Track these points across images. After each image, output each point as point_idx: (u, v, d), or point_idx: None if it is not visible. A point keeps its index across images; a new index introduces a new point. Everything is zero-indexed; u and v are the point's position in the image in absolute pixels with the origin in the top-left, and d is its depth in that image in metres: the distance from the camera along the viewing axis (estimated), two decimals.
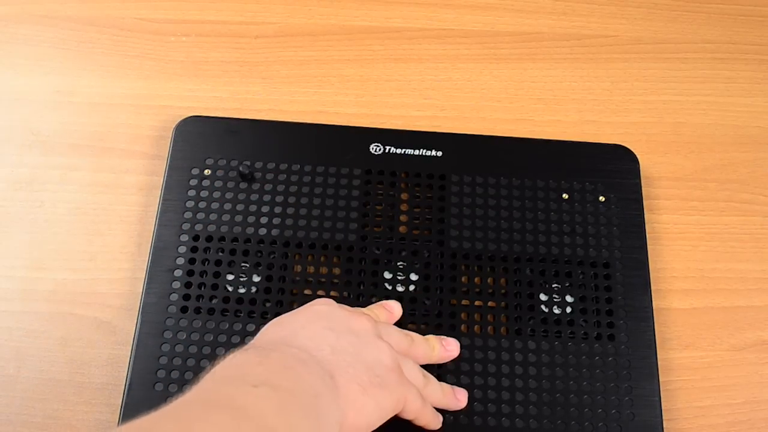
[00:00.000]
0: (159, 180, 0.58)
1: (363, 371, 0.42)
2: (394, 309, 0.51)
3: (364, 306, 0.51)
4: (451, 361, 0.51)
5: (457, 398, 0.49)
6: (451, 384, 0.50)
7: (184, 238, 0.54)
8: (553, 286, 0.55)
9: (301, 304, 0.52)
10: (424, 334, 0.51)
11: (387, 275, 0.54)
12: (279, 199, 0.56)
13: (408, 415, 0.45)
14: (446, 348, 0.50)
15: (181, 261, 0.54)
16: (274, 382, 0.38)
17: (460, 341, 0.52)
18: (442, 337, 0.51)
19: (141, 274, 0.54)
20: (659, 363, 0.52)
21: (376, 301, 0.53)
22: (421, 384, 0.47)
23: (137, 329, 0.51)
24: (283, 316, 0.46)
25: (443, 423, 0.49)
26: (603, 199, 0.58)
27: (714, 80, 0.67)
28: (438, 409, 0.49)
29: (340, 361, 0.42)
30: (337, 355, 0.42)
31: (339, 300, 0.52)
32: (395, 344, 0.46)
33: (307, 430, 0.37)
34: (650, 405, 0.51)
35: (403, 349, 0.47)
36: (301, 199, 0.56)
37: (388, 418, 0.44)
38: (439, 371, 0.51)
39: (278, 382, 0.38)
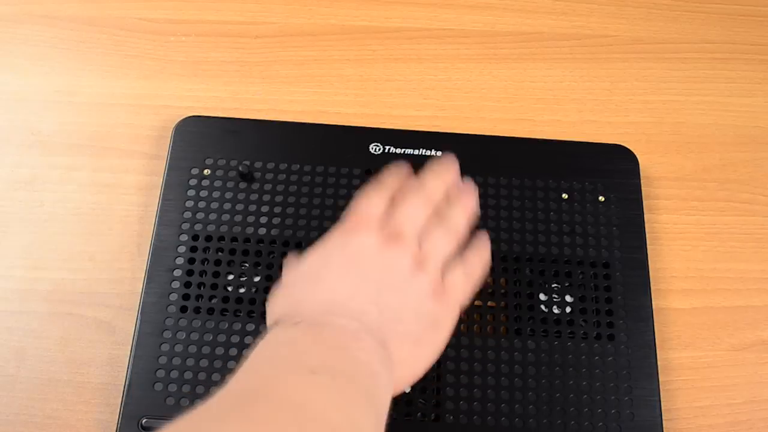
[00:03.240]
0: (159, 180, 0.58)
1: (412, 321, 0.41)
2: (403, 170, 0.48)
3: None
4: (451, 360, 0.51)
5: (481, 256, 0.47)
6: (450, 383, 0.50)
7: (184, 238, 0.54)
8: (553, 286, 0.55)
9: None
10: None
11: None
12: (279, 199, 0.56)
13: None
14: (464, 210, 0.47)
15: (180, 261, 0.54)
16: (331, 366, 0.37)
17: (459, 341, 0.52)
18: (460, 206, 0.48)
19: (141, 274, 0.54)
20: (659, 363, 0.52)
21: None
22: (463, 280, 0.45)
23: (137, 329, 0.51)
24: (310, 260, 0.43)
25: (443, 423, 0.49)
26: (603, 199, 0.58)
27: (714, 80, 0.67)
28: (437, 409, 0.48)
29: (388, 321, 0.40)
30: (383, 314, 0.40)
31: None
32: (431, 249, 0.44)
33: (369, 422, 0.36)
34: (650, 405, 0.51)
35: (440, 249, 0.44)
36: (301, 199, 0.56)
37: (450, 336, 0.43)
38: (438, 371, 0.51)
39: (335, 365, 0.37)
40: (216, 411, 0.33)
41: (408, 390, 0.49)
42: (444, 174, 0.48)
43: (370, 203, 0.45)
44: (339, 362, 0.37)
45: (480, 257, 0.47)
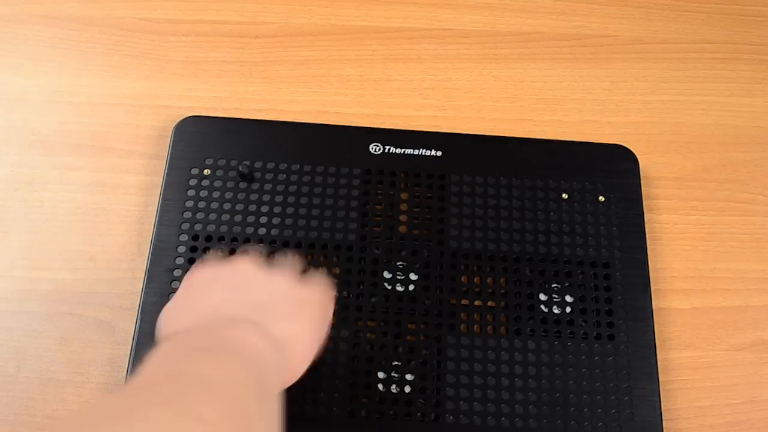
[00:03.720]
0: (159, 180, 0.58)
1: (281, 305, 0.43)
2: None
3: (365, 305, 0.51)
4: (451, 360, 0.51)
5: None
6: (450, 383, 0.50)
7: (184, 237, 0.54)
8: (553, 286, 0.55)
9: None
10: (424, 334, 0.52)
11: (387, 275, 0.54)
12: (279, 199, 0.56)
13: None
14: None
15: (180, 261, 0.54)
16: (210, 346, 0.38)
17: (460, 341, 0.52)
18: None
19: (141, 274, 0.54)
20: (659, 363, 0.52)
21: (376, 301, 0.53)
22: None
23: (137, 329, 0.51)
24: (168, 306, 0.45)
25: (443, 423, 0.49)
26: (603, 199, 0.58)
27: (714, 80, 0.67)
28: (437, 409, 0.48)
29: (258, 311, 0.42)
30: (254, 308, 0.42)
31: (339, 299, 0.52)
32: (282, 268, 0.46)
33: (253, 379, 0.37)
34: (650, 405, 0.51)
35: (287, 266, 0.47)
36: (301, 199, 0.56)
37: (329, 316, 0.45)
38: (438, 370, 0.51)
39: (214, 345, 0.38)
40: (101, 398, 0.34)
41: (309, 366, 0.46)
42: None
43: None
44: (216, 342, 0.39)
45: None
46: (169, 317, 0.44)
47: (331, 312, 0.46)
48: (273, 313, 0.42)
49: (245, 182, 0.57)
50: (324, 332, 0.44)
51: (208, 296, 0.43)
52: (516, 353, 0.52)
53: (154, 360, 0.37)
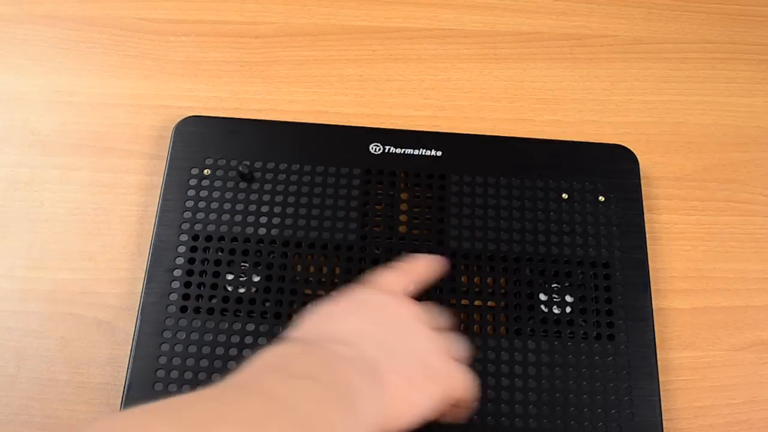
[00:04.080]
0: (159, 180, 0.58)
1: (410, 363, 0.42)
2: (429, 264, 0.50)
3: None
4: None
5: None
6: None
7: (184, 238, 0.54)
8: (553, 286, 0.55)
9: (301, 305, 0.53)
10: None
11: None
12: (279, 199, 0.56)
13: (463, 400, 0.45)
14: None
15: (180, 261, 0.54)
16: (314, 375, 0.38)
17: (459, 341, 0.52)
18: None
19: (141, 274, 0.54)
20: (659, 363, 0.52)
21: None
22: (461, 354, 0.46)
23: (137, 329, 0.51)
24: (323, 305, 0.45)
25: (443, 422, 0.49)
26: (603, 199, 0.58)
27: (714, 80, 0.67)
28: None
29: (385, 356, 0.42)
30: (381, 349, 0.42)
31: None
32: (435, 322, 0.46)
33: (342, 424, 0.37)
34: (650, 405, 0.51)
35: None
36: (301, 199, 0.56)
37: (443, 404, 0.43)
38: None
39: (319, 375, 0.38)
40: (192, 397, 0.34)
41: None
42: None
43: (387, 277, 0.48)
44: (321, 373, 0.39)
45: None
46: (311, 320, 0.44)
47: (448, 401, 0.44)
48: (396, 365, 0.42)
49: (245, 182, 0.57)
50: (431, 412, 0.43)
51: (351, 319, 0.43)
52: (516, 353, 0.52)
53: (263, 362, 0.38)
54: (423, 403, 0.42)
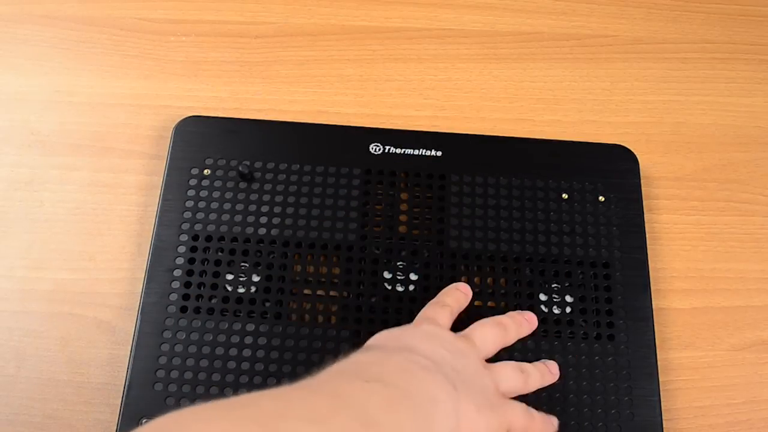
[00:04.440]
0: (159, 180, 0.58)
1: (477, 392, 0.43)
2: (467, 291, 0.51)
3: (365, 305, 0.51)
4: None
5: (551, 372, 0.50)
6: None
7: (184, 238, 0.54)
8: (553, 286, 0.55)
9: (301, 305, 0.53)
10: None
11: (387, 275, 0.54)
12: (279, 199, 0.56)
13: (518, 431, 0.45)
14: (550, 370, 0.50)
15: (180, 261, 0.54)
16: (388, 380, 0.38)
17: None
18: (541, 363, 0.51)
19: (141, 274, 0.54)
20: (659, 363, 0.52)
21: (376, 301, 0.53)
22: (522, 385, 0.47)
23: (137, 329, 0.51)
24: (390, 330, 0.45)
25: None
26: (603, 199, 0.58)
27: (714, 80, 0.67)
28: None
29: (460, 378, 0.42)
30: (456, 372, 0.42)
31: (339, 299, 0.52)
32: (491, 344, 0.47)
33: (414, 429, 0.37)
34: (650, 405, 0.51)
35: (498, 344, 0.48)
36: (301, 199, 0.56)
37: None
38: None
39: (393, 381, 0.38)
40: (258, 395, 0.34)
41: None
42: (522, 323, 0.51)
43: (440, 313, 0.49)
44: (397, 379, 0.38)
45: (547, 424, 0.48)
46: (385, 334, 0.45)
47: None
48: (470, 392, 0.42)
49: (245, 182, 0.57)
50: None
51: (427, 341, 0.44)
52: (516, 353, 0.52)
53: (336, 368, 0.38)
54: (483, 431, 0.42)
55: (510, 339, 0.49)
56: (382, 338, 0.45)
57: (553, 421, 0.48)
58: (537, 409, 0.50)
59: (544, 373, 0.49)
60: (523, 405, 0.46)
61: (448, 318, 0.49)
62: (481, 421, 0.42)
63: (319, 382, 0.37)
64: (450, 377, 0.42)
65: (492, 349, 0.47)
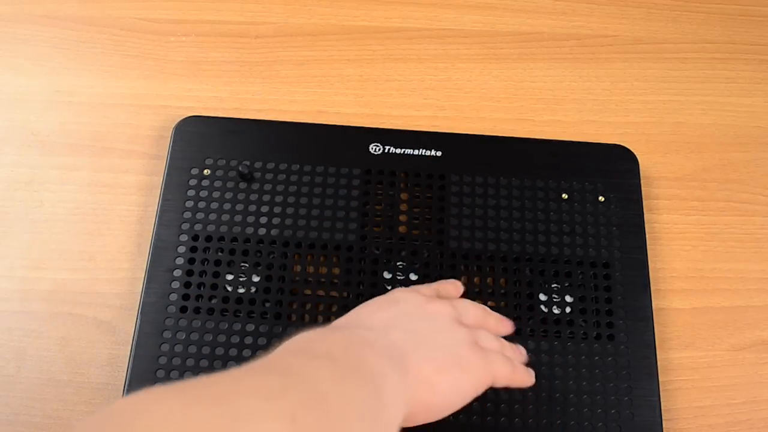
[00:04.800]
0: (159, 180, 0.58)
1: (438, 351, 0.42)
2: (458, 286, 0.51)
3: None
4: None
5: (521, 351, 0.49)
6: None
7: (184, 238, 0.54)
8: (553, 286, 0.55)
9: (301, 305, 0.53)
10: None
11: (386, 275, 0.54)
12: (279, 199, 0.56)
13: (501, 384, 0.45)
14: (504, 324, 0.49)
15: (180, 261, 0.54)
16: (333, 356, 0.38)
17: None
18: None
19: (141, 274, 0.54)
20: (659, 363, 0.52)
21: None
22: (499, 348, 0.46)
23: (137, 329, 0.51)
24: (363, 303, 0.46)
25: (443, 423, 0.49)
26: (603, 199, 0.58)
27: (714, 80, 0.67)
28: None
29: (413, 341, 0.42)
30: (409, 335, 0.42)
31: (339, 299, 0.52)
32: (472, 318, 0.46)
33: (363, 402, 0.36)
34: (650, 405, 0.51)
35: (479, 321, 0.47)
36: (301, 199, 0.56)
37: (476, 395, 0.43)
38: None
39: (338, 356, 0.38)
40: (212, 376, 0.34)
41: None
42: (503, 320, 0.50)
43: (415, 287, 0.48)
44: (343, 355, 0.38)
45: (522, 356, 0.48)
46: (347, 314, 0.45)
47: (482, 390, 0.44)
48: (423, 351, 0.41)
49: (245, 182, 0.57)
50: (463, 403, 0.43)
51: (384, 310, 0.44)
52: None
53: (285, 347, 0.38)
54: (452, 391, 0.42)
55: (490, 323, 0.48)
56: (344, 317, 0.45)
57: (532, 374, 0.47)
58: (536, 408, 0.50)
59: (502, 320, 0.49)
60: (504, 356, 0.45)
61: (430, 290, 0.48)
62: (443, 380, 0.41)
63: (270, 361, 0.38)
64: (399, 342, 0.41)
65: (471, 321, 0.46)
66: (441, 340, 0.43)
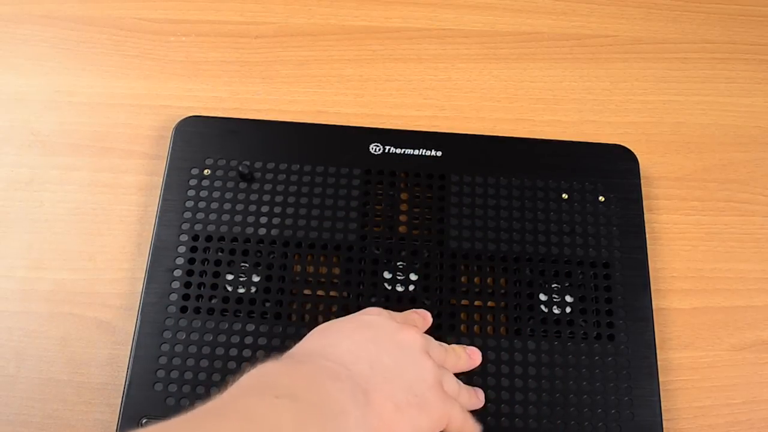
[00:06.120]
0: (159, 180, 0.58)
1: (400, 389, 0.42)
2: (427, 317, 0.51)
3: (365, 305, 0.51)
4: None
5: (478, 397, 0.49)
6: None
7: (184, 238, 0.54)
8: (553, 286, 0.55)
9: (301, 304, 0.53)
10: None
11: (387, 275, 0.54)
12: (279, 199, 0.56)
13: (451, 431, 0.44)
14: (470, 357, 0.50)
15: (180, 261, 0.54)
16: (297, 394, 0.37)
17: (459, 341, 0.52)
18: (465, 346, 0.50)
19: (141, 274, 0.54)
20: (659, 363, 0.52)
21: (375, 302, 0.53)
22: (457, 394, 0.46)
23: (137, 329, 0.51)
24: (330, 322, 0.45)
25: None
26: (603, 199, 0.58)
27: (714, 80, 0.67)
28: None
29: (376, 377, 0.41)
30: (375, 370, 0.41)
31: (339, 299, 0.52)
32: (435, 356, 0.46)
33: None
34: (650, 405, 0.51)
35: (440, 360, 0.47)
36: (301, 199, 0.56)
37: None
38: None
39: (302, 394, 0.37)
40: (170, 423, 0.34)
41: None
42: (461, 355, 0.50)
43: (387, 311, 0.48)
44: (306, 392, 0.38)
45: (479, 401, 0.49)
46: (312, 335, 0.44)
47: None
48: (387, 388, 0.41)
49: (245, 182, 0.57)
50: None
51: (352, 337, 0.43)
52: (516, 353, 0.52)
53: (246, 383, 0.38)
54: (410, 431, 0.41)
55: (450, 361, 0.48)
56: (309, 339, 0.44)
57: (478, 429, 0.47)
58: (537, 409, 0.50)
59: (460, 354, 0.49)
60: (461, 405, 0.45)
61: (400, 317, 0.48)
62: (402, 420, 0.41)
63: (228, 401, 0.37)
64: (363, 379, 0.41)
65: (436, 356, 0.46)
66: (408, 375, 0.43)
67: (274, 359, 0.41)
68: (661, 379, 0.52)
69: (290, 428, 0.35)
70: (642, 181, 0.59)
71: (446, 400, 0.44)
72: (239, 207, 0.56)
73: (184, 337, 0.51)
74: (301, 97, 0.64)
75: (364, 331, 0.44)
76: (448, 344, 0.50)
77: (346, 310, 0.53)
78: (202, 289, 0.53)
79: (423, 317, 0.51)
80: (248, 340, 0.51)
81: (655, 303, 0.55)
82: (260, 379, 0.39)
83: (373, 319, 0.45)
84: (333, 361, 0.41)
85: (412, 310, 0.51)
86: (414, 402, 0.42)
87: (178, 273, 0.53)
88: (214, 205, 0.56)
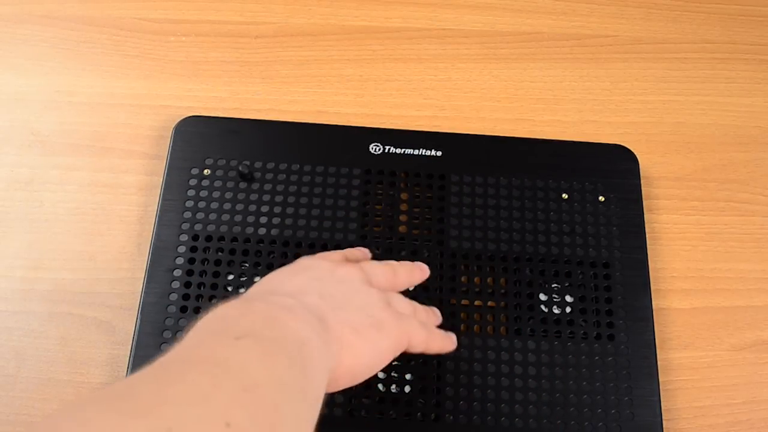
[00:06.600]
0: (159, 180, 0.58)
1: (354, 314, 0.42)
2: (366, 253, 0.51)
3: None
4: (451, 360, 0.51)
5: (435, 313, 0.49)
6: (450, 383, 0.50)
7: (184, 237, 0.54)
8: (553, 286, 0.55)
9: None
10: None
11: None
12: (279, 199, 0.56)
13: (417, 348, 0.44)
14: (415, 267, 0.49)
15: (180, 261, 0.54)
16: (257, 332, 0.37)
17: (459, 341, 0.51)
18: (406, 261, 0.50)
19: (141, 274, 0.54)
20: (659, 363, 0.52)
21: None
22: (412, 312, 0.46)
23: (137, 329, 0.51)
24: (270, 273, 0.45)
25: (443, 423, 0.49)
26: (603, 199, 0.58)
27: (714, 80, 0.67)
28: (437, 409, 0.48)
29: (329, 305, 0.41)
30: (325, 299, 0.42)
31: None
32: (383, 280, 0.46)
33: (293, 379, 0.36)
34: (650, 405, 0.51)
35: (389, 280, 0.47)
36: (301, 199, 0.56)
37: (393, 357, 0.43)
38: (438, 370, 0.51)
39: (262, 332, 0.37)
40: (134, 379, 0.33)
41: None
42: (413, 269, 0.50)
43: (322, 254, 0.48)
44: (265, 329, 0.38)
45: (436, 318, 0.49)
46: (257, 284, 0.44)
47: (398, 353, 0.43)
48: (341, 314, 0.41)
49: (245, 182, 0.57)
50: (381, 365, 0.42)
51: (295, 278, 0.43)
52: (516, 353, 0.52)
53: (204, 327, 0.37)
54: (372, 352, 0.42)
55: (400, 281, 0.48)
56: (254, 287, 0.44)
57: (453, 338, 0.47)
58: (537, 409, 0.50)
59: (412, 269, 0.49)
60: (419, 321, 0.45)
61: (337, 256, 0.48)
62: (364, 343, 0.41)
63: (191, 348, 0.36)
64: (316, 307, 0.41)
65: (382, 282, 0.46)
66: (355, 302, 0.43)
67: (223, 304, 0.40)
68: (661, 379, 0.52)
69: (258, 366, 0.35)
70: (642, 181, 0.59)
71: (401, 317, 0.44)
72: (239, 207, 0.56)
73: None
74: (301, 97, 0.64)
75: (305, 272, 0.44)
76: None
77: None
78: (202, 289, 0.53)
79: (363, 252, 0.51)
80: None
81: (655, 303, 0.55)
82: (218, 323, 0.38)
83: (310, 261, 0.46)
84: (283, 296, 0.41)
85: (355, 248, 0.52)
86: (369, 323, 0.42)
87: (178, 273, 0.53)
88: (214, 205, 0.56)
